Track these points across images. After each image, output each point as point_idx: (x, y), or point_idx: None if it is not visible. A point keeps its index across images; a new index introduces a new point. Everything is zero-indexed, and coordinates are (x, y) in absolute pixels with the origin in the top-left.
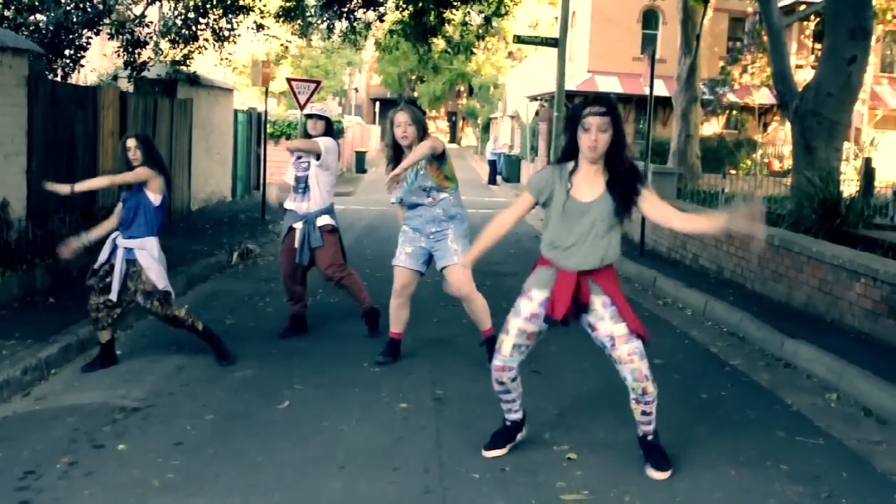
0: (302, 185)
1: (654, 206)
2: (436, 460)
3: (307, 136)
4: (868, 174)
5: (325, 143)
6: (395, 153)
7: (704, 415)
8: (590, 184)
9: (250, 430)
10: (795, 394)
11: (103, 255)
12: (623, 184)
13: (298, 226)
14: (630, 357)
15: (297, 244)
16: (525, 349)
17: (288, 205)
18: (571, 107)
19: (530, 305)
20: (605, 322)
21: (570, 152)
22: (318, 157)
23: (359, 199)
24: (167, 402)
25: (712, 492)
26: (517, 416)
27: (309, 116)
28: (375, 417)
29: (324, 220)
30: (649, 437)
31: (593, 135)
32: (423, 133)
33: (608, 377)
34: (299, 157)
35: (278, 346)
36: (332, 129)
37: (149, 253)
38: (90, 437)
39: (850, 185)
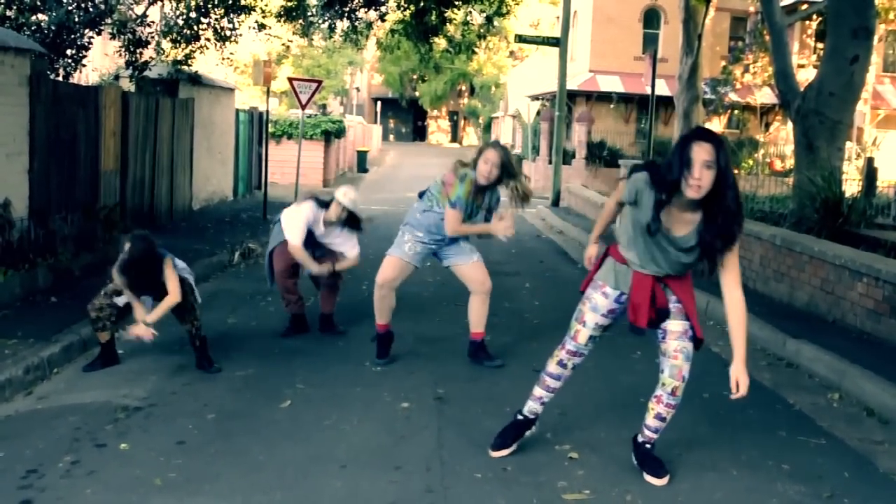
0: (319, 251)
1: (726, 269)
2: (437, 459)
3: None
4: (870, 174)
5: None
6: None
7: (706, 414)
8: (681, 217)
9: (252, 429)
10: (797, 393)
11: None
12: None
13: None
14: (675, 354)
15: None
16: (598, 339)
17: None
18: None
19: (606, 302)
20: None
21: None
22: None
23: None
24: (169, 401)
25: (714, 492)
26: (539, 410)
27: (342, 206)
28: (377, 416)
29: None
30: (648, 445)
31: (696, 171)
32: (503, 178)
33: (610, 377)
34: (329, 224)
35: (280, 345)
36: (359, 222)
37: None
38: (92, 436)
39: (852, 185)
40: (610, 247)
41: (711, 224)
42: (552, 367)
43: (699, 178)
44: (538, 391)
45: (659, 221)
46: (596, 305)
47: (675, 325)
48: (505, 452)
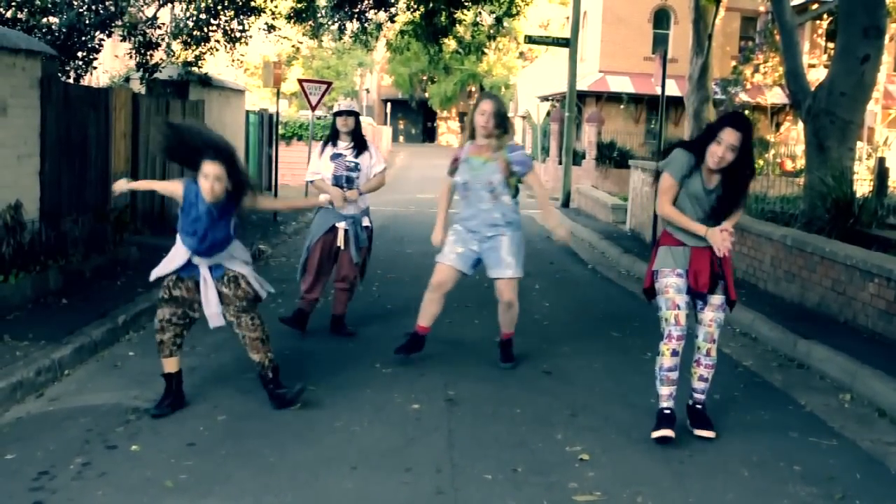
0: (347, 186)
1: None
2: (448, 461)
3: (335, 132)
4: (881, 174)
5: (375, 158)
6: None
7: (717, 415)
8: (710, 175)
9: (262, 430)
10: (809, 394)
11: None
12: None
13: (342, 225)
14: (710, 323)
15: (341, 243)
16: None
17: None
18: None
19: (681, 281)
20: None
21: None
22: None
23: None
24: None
25: (725, 493)
26: (673, 404)
27: (338, 114)
28: (388, 418)
29: (366, 222)
30: (699, 406)
31: (723, 150)
32: (502, 127)
33: (621, 378)
34: (340, 156)
35: (291, 346)
36: (360, 126)
37: (239, 252)
38: (103, 438)
39: (863, 185)
40: (661, 237)
41: (726, 188)
42: (668, 362)
43: (722, 157)
44: (666, 390)
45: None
46: (678, 286)
47: (715, 299)
48: (669, 433)
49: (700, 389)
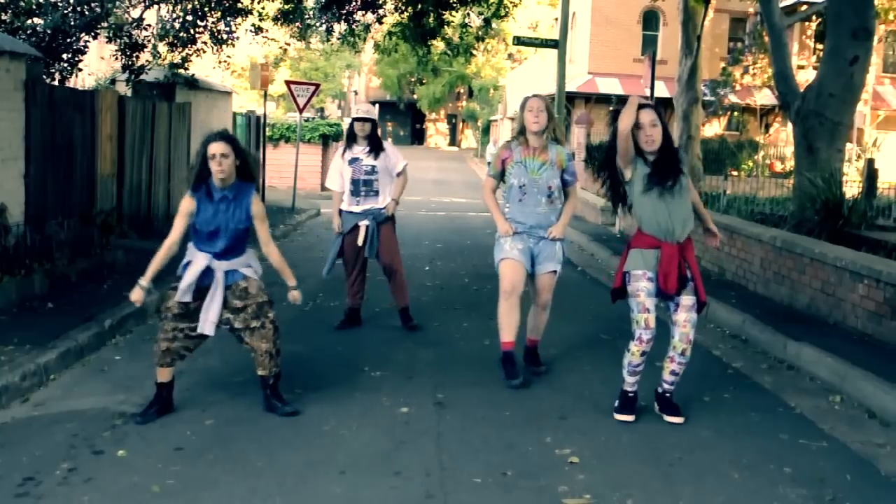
0: (365, 189)
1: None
2: (437, 465)
3: (353, 136)
4: (871, 175)
5: (394, 157)
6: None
7: (707, 417)
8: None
9: (250, 435)
10: (798, 396)
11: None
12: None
13: (364, 223)
14: (685, 323)
15: (361, 241)
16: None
17: (345, 207)
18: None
19: (653, 285)
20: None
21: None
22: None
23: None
24: None
25: (715, 495)
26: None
27: (356, 120)
28: (376, 422)
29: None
30: (667, 395)
31: (648, 130)
32: (551, 121)
33: (610, 381)
34: (357, 160)
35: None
36: (377, 130)
37: (253, 262)
38: (90, 443)
39: (852, 187)
40: (633, 238)
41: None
42: (636, 360)
43: (650, 134)
44: (632, 378)
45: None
46: (649, 290)
47: (685, 300)
48: (629, 418)
49: (670, 381)
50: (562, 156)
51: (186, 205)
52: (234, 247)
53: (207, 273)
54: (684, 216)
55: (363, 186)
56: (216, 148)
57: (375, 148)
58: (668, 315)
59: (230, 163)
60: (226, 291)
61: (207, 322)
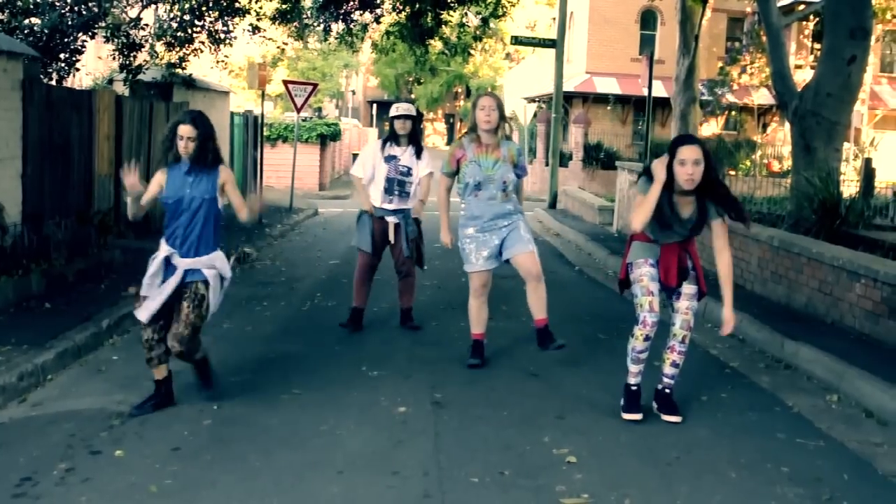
0: (399, 189)
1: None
2: (435, 464)
3: (394, 135)
4: (868, 175)
5: (425, 161)
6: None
7: (705, 417)
8: (683, 200)
9: (248, 434)
10: (796, 395)
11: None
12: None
13: (392, 220)
14: (686, 311)
15: (392, 238)
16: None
17: (377, 203)
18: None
19: (656, 270)
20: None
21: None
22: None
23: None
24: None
25: (713, 494)
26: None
27: (397, 118)
28: (374, 421)
29: (415, 214)
30: (667, 391)
31: (689, 168)
32: (503, 120)
33: (608, 381)
34: (394, 158)
35: (276, 350)
36: (419, 128)
37: (222, 270)
38: (87, 443)
39: (850, 186)
40: (632, 235)
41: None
42: (640, 345)
43: (691, 173)
44: (635, 367)
45: (672, 210)
46: (653, 275)
47: (688, 288)
48: (638, 416)
49: (670, 375)
50: (512, 151)
51: (158, 175)
52: (199, 235)
53: (171, 269)
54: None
55: (397, 186)
56: (183, 130)
57: (417, 149)
58: (669, 304)
59: (195, 146)
60: (182, 289)
61: (145, 310)
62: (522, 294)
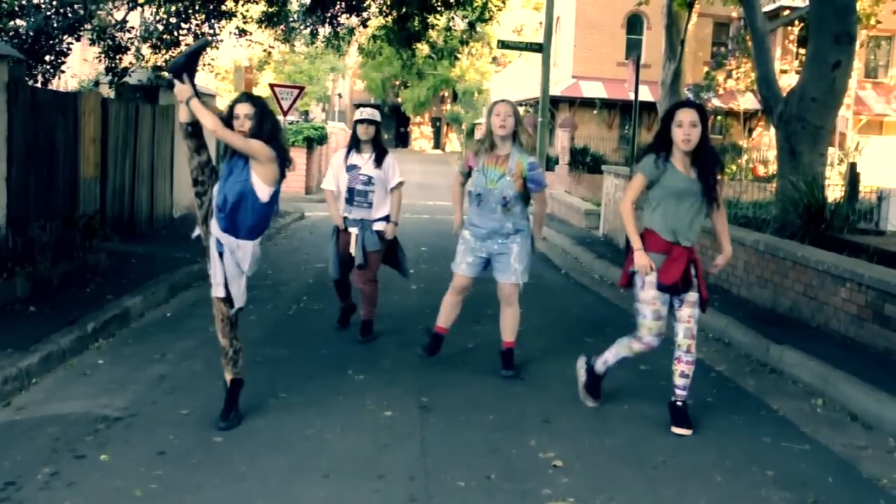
0: (358, 199)
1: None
2: (421, 468)
3: (356, 140)
4: (853, 179)
5: (392, 170)
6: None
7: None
8: (685, 168)
9: (233, 438)
10: (781, 399)
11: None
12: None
13: (354, 230)
14: (689, 319)
15: (352, 249)
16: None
17: (342, 213)
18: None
19: (663, 294)
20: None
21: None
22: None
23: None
24: (150, 411)
25: (699, 498)
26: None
27: (360, 122)
28: (360, 425)
29: (379, 226)
30: (679, 403)
31: (686, 129)
32: (518, 126)
33: None
34: (355, 167)
35: (262, 354)
36: (380, 135)
37: (240, 260)
38: (71, 447)
39: (835, 191)
40: (646, 239)
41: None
42: (631, 356)
43: (688, 133)
44: (610, 365)
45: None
46: (664, 299)
47: (690, 297)
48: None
49: (682, 386)
50: (522, 164)
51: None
52: (235, 220)
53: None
54: (697, 223)
55: (357, 196)
56: (240, 108)
57: (379, 156)
58: (672, 313)
59: (252, 124)
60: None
61: (217, 286)
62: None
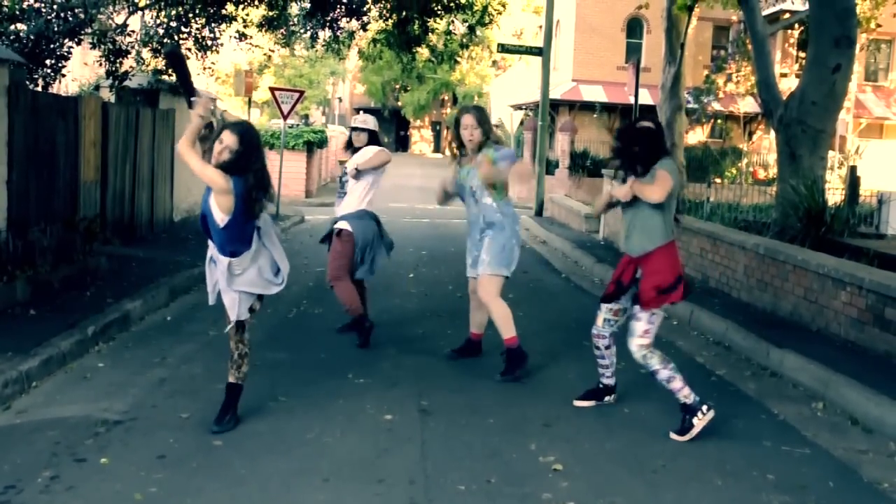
0: (340, 191)
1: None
2: (421, 472)
3: (351, 147)
4: (853, 183)
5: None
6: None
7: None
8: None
9: (233, 442)
10: (782, 403)
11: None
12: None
13: (338, 225)
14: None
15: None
16: (614, 323)
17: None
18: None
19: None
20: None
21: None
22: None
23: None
24: (150, 414)
25: (699, 502)
26: (609, 381)
27: (353, 129)
28: (360, 429)
29: (342, 225)
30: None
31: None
32: (488, 135)
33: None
34: (343, 162)
35: (262, 357)
36: (377, 140)
37: (220, 274)
38: (72, 451)
39: (835, 194)
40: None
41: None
42: (594, 350)
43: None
44: (598, 368)
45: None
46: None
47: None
48: (587, 404)
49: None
50: (489, 154)
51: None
52: (229, 242)
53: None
54: (638, 226)
55: (340, 188)
56: (227, 138)
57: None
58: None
59: (228, 159)
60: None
61: (210, 293)
62: (508, 301)
